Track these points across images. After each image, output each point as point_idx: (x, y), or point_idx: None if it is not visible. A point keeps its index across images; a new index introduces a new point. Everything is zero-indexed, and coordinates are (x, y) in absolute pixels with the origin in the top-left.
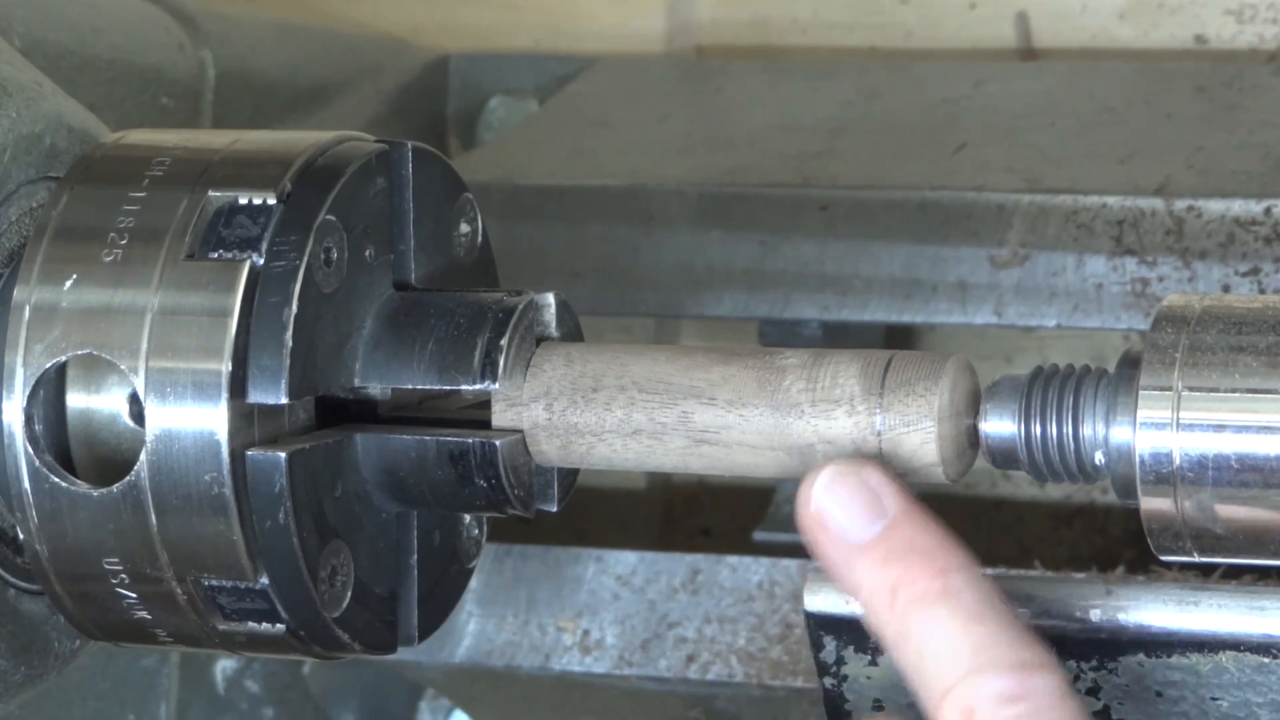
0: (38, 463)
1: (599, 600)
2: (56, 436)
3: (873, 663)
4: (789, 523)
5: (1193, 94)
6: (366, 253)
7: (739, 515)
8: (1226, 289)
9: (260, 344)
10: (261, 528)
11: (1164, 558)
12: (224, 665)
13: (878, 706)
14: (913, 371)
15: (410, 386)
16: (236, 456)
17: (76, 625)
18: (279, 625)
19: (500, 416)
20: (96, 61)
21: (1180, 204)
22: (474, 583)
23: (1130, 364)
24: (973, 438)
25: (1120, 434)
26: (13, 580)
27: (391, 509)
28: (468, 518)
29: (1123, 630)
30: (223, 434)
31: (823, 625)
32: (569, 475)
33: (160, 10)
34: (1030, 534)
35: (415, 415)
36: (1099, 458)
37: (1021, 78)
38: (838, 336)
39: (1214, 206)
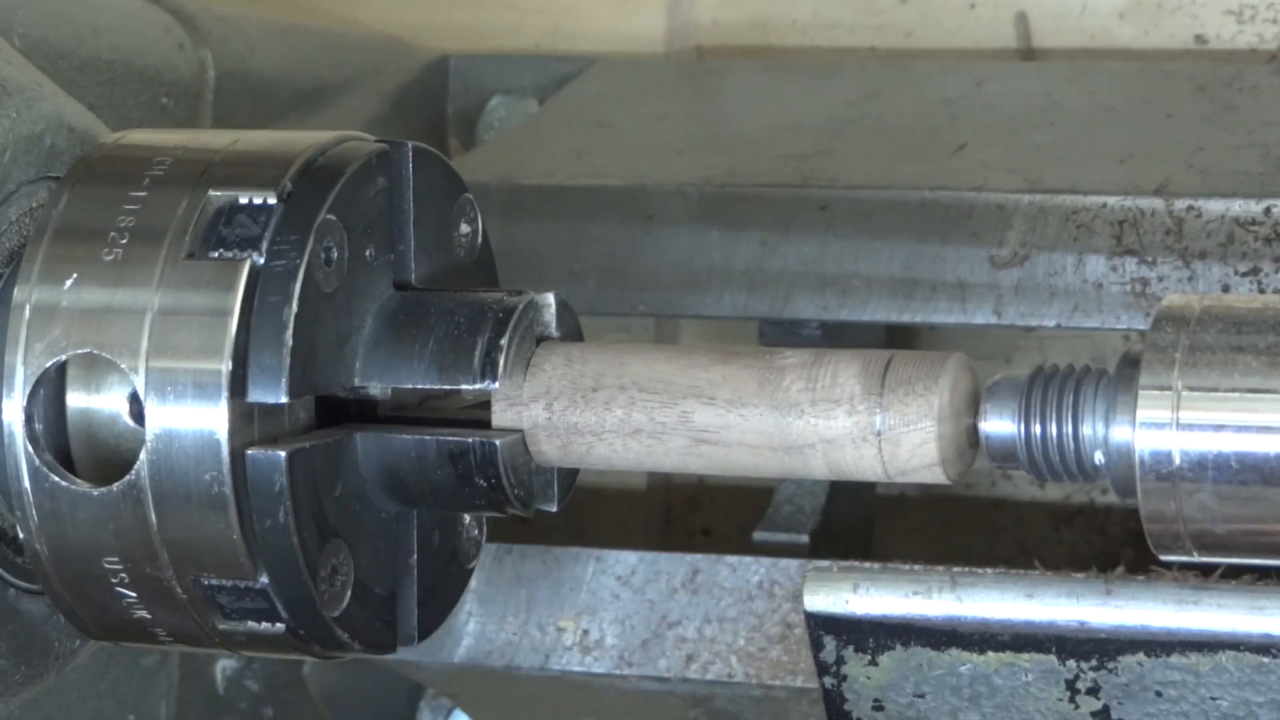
0: (38, 462)
1: (599, 600)
2: (56, 436)
3: (873, 663)
4: (789, 523)
5: (1193, 94)
6: (367, 252)
7: (739, 515)
8: (1226, 289)
9: (260, 343)
10: (261, 527)
11: (1164, 557)
12: (224, 665)
13: (877, 707)
14: (912, 371)
15: (410, 386)
16: (236, 456)
17: (76, 625)
18: (279, 625)
19: (500, 416)
20: (96, 61)
21: (1180, 204)
22: (474, 583)
23: (1130, 364)
24: (973, 437)
25: (1120, 434)
26: (13, 580)
27: (391, 509)
28: (468, 518)
29: (1123, 630)
30: (223, 433)
31: (823, 625)
32: (569, 475)
33: (160, 10)
34: (1030, 534)
35: (415, 415)
36: (1099, 457)
37: (1021, 78)
38: (838, 336)
39: (1214, 206)
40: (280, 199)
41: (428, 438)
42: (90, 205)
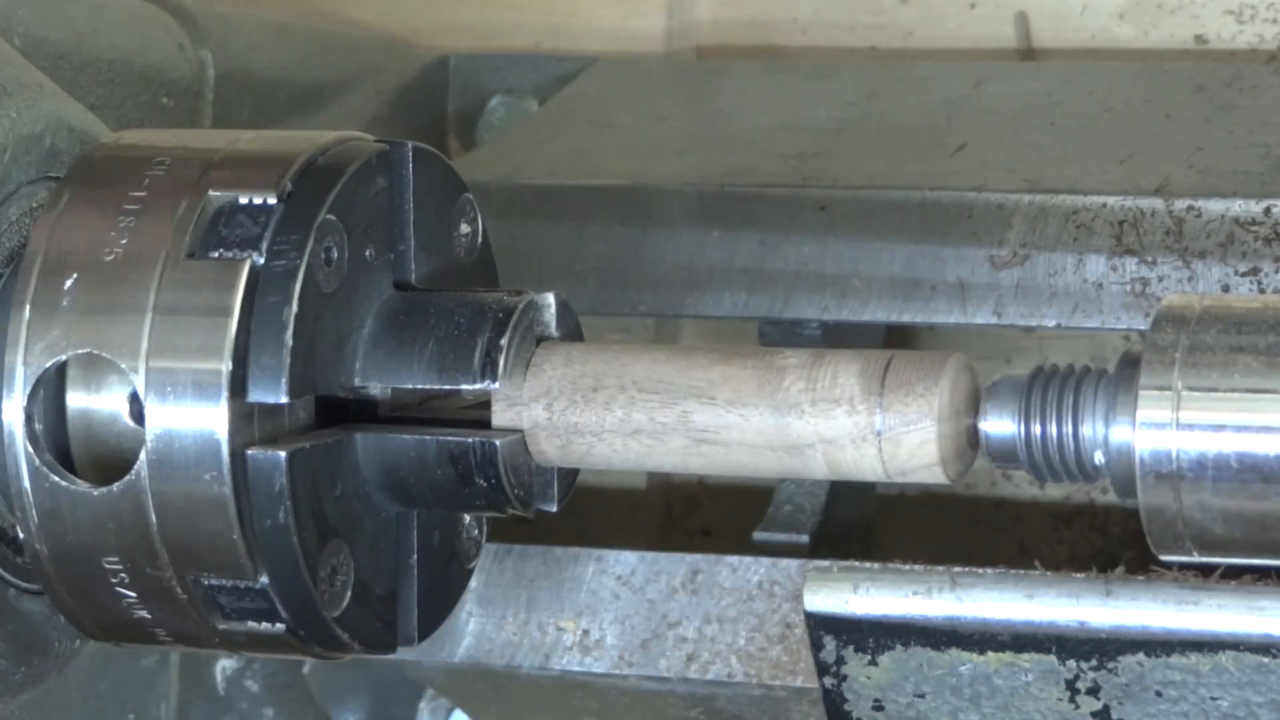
0: (38, 462)
1: (599, 600)
2: (56, 436)
3: (873, 663)
4: (789, 523)
5: (1193, 94)
6: (367, 252)
7: (739, 515)
8: (1226, 289)
9: (260, 343)
10: (261, 527)
11: (1164, 557)
12: (224, 665)
13: (877, 707)
14: (912, 371)
15: (410, 386)
16: (236, 455)
17: (76, 625)
18: (279, 624)
19: (500, 416)
20: (96, 61)
21: (1180, 204)
22: (474, 583)
23: (1130, 364)
24: (973, 437)
25: (1120, 434)
26: (13, 580)
27: (391, 509)
28: (468, 518)
29: (1123, 630)
30: (223, 433)
31: (823, 625)
32: (569, 475)
33: (160, 10)
34: (1030, 534)
35: (415, 415)
36: (1099, 457)
37: (1021, 78)
38: (838, 336)
39: (1214, 206)
40: (280, 199)
41: (428, 438)
42: (90, 205)
